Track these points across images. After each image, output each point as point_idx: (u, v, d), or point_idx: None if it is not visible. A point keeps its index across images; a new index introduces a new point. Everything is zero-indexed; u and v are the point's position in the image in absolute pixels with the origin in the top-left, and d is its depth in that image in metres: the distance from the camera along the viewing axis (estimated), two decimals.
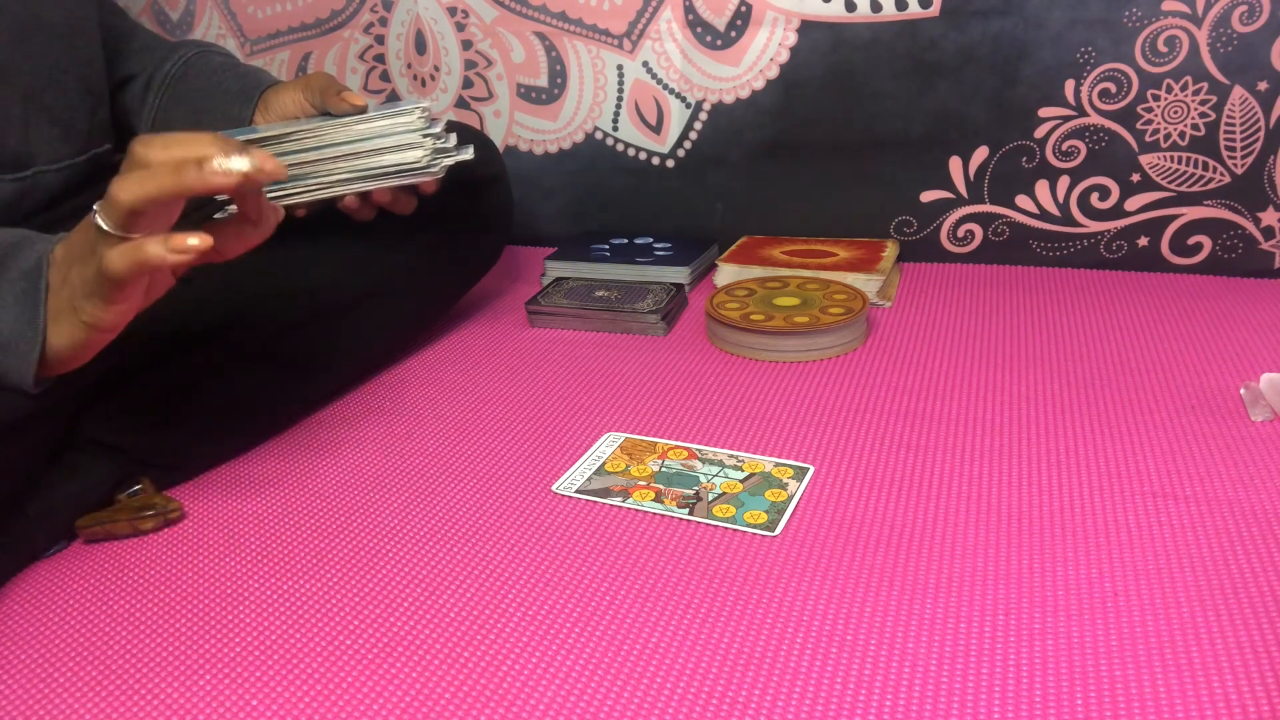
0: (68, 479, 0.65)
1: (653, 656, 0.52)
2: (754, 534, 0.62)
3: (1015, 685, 0.49)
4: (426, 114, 0.78)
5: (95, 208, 0.52)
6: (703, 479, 0.69)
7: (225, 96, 0.83)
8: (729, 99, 1.09)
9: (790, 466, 0.70)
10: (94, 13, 0.79)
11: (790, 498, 0.66)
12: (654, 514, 0.65)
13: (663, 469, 0.70)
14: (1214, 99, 0.96)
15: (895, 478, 0.68)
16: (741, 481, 0.68)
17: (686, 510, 0.65)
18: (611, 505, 0.66)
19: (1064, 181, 1.03)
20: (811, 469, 0.69)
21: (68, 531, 0.66)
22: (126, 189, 0.51)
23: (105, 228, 0.52)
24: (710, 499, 0.66)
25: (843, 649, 0.52)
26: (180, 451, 0.72)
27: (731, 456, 0.71)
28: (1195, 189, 1.00)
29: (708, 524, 0.63)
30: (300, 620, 0.57)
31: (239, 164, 0.52)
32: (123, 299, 0.53)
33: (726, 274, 1.06)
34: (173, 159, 0.51)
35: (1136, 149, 1.00)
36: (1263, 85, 0.95)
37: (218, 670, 0.53)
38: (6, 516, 0.61)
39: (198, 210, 0.61)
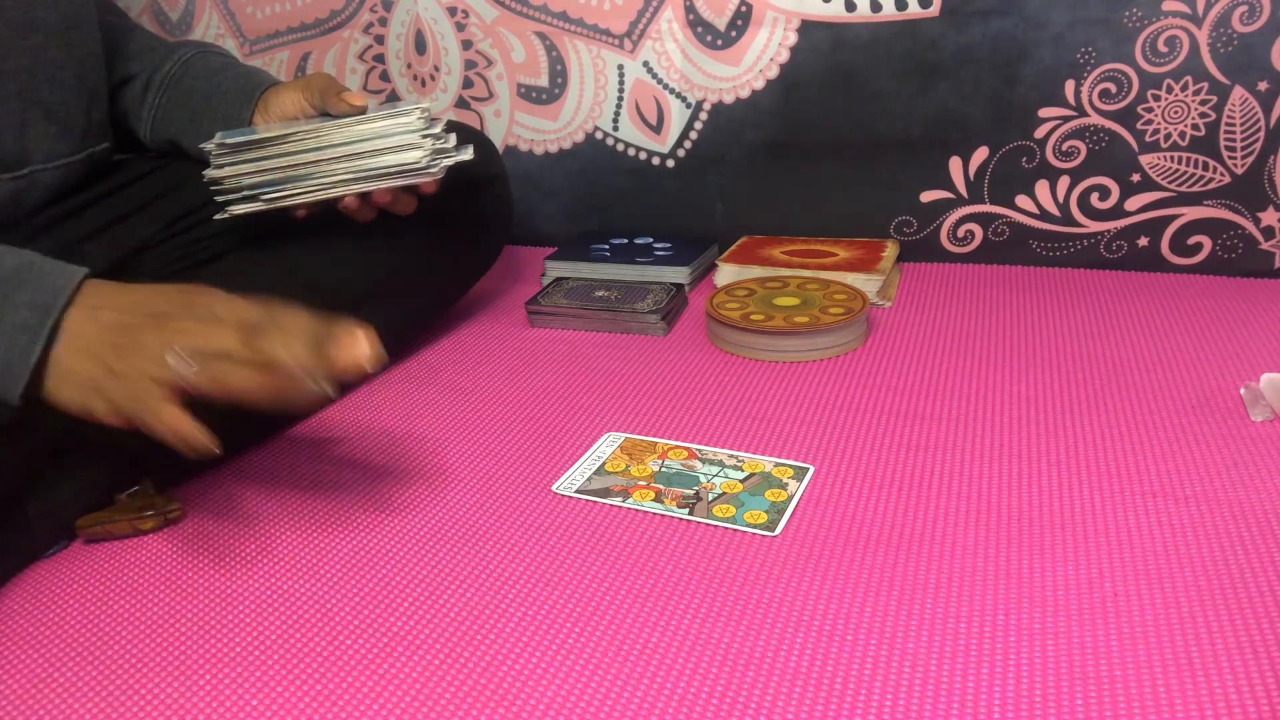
0: (68, 479, 0.65)
1: (653, 656, 0.52)
2: (754, 534, 0.62)
3: (1015, 685, 0.49)
4: (426, 114, 0.78)
5: (175, 355, 0.54)
6: (703, 479, 0.69)
7: (225, 97, 0.83)
8: (729, 99, 1.09)
9: (790, 466, 0.70)
10: (91, 10, 0.79)
11: (790, 498, 0.66)
12: (654, 514, 0.65)
13: (663, 469, 0.70)
14: (1214, 99, 0.96)
15: (895, 478, 0.68)
16: (741, 481, 0.68)
17: (686, 510, 0.65)
18: (611, 505, 0.66)
19: (1064, 181, 1.03)
20: (811, 469, 0.69)
21: (68, 531, 0.66)
22: (237, 381, 0.54)
23: (182, 371, 0.54)
24: (710, 499, 0.66)
25: (843, 649, 0.52)
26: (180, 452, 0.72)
27: (731, 456, 0.71)
28: (1195, 189, 1.00)
29: (708, 524, 0.63)
30: (300, 620, 0.57)
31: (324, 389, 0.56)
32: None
33: (726, 274, 1.06)
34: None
35: (1136, 149, 1.00)
36: (1263, 85, 0.95)
37: (217, 670, 0.53)
38: (6, 516, 0.61)
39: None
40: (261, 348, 0.55)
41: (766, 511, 0.64)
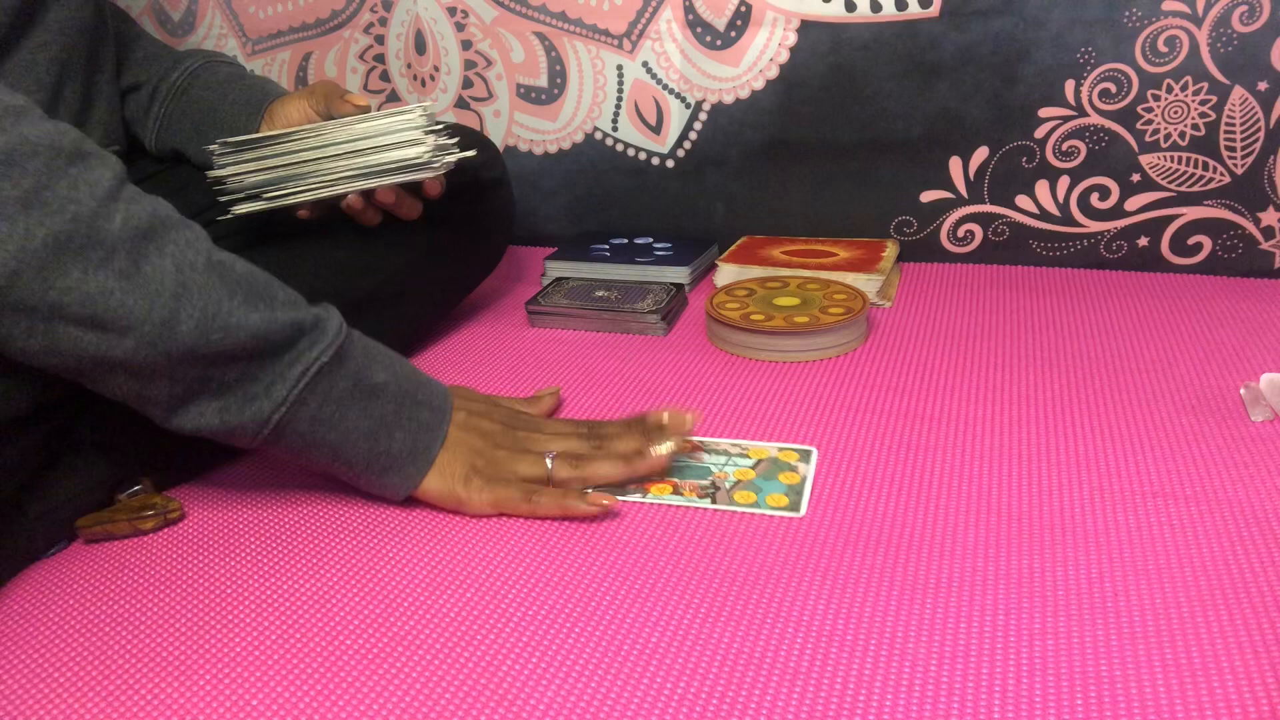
0: (68, 479, 0.65)
1: (653, 657, 0.52)
2: (781, 517, 0.63)
3: (1015, 685, 0.49)
4: (428, 113, 0.78)
5: (554, 455, 0.66)
6: (714, 469, 0.69)
7: (231, 109, 0.84)
8: (729, 99, 1.09)
9: (795, 450, 0.70)
10: (108, 17, 0.81)
11: (804, 479, 0.67)
12: (678, 506, 0.65)
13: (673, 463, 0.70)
14: (1214, 99, 0.96)
15: (895, 478, 0.68)
16: (752, 468, 0.69)
17: (708, 500, 0.65)
18: (632, 501, 0.66)
19: (1064, 181, 1.04)
20: (815, 450, 0.70)
21: (68, 531, 0.66)
22: (602, 472, 0.66)
23: (561, 474, 0.65)
24: (728, 487, 0.66)
25: (843, 649, 0.52)
26: (180, 452, 0.72)
27: (735, 445, 0.72)
28: (1195, 189, 1.00)
29: (732, 511, 0.64)
30: (300, 620, 0.57)
31: (665, 449, 0.67)
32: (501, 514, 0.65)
33: (726, 274, 1.06)
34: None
35: (1136, 149, 1.00)
36: (1263, 85, 0.95)
37: (218, 670, 0.53)
38: (6, 516, 0.61)
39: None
40: (605, 444, 0.67)
41: (785, 494, 0.65)
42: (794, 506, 0.64)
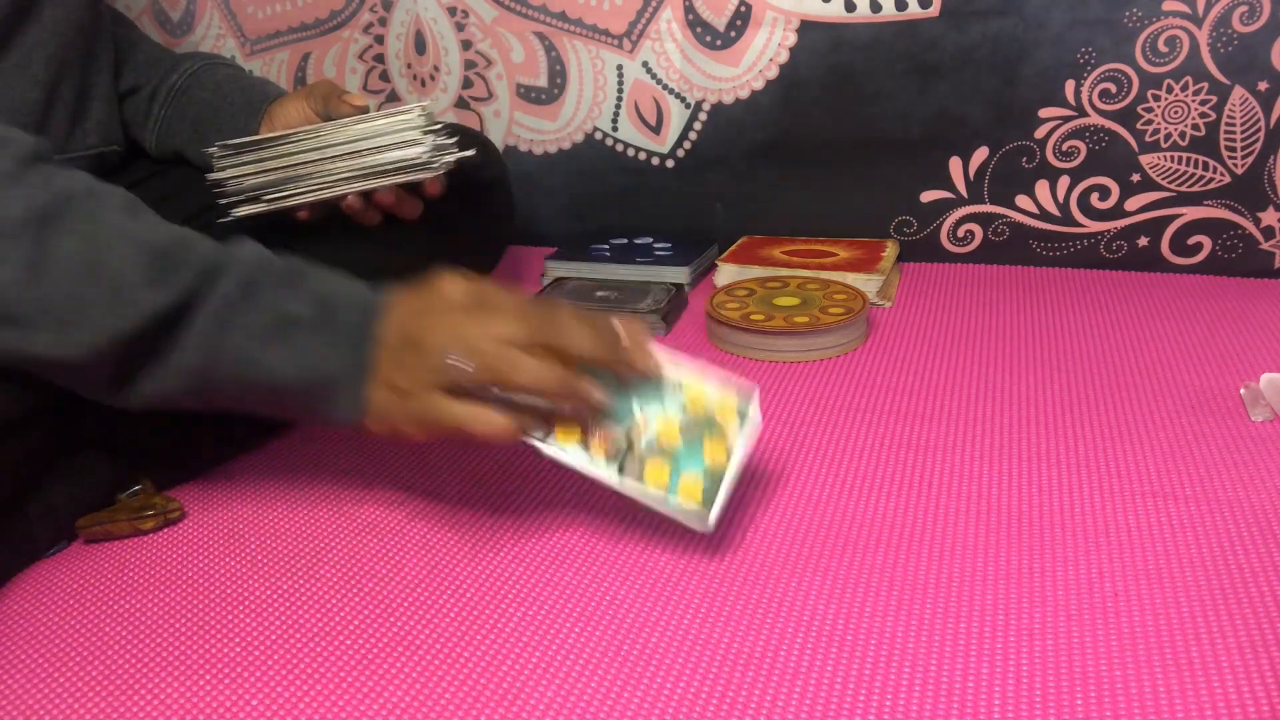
0: (68, 479, 0.65)
1: (653, 657, 0.52)
2: (686, 521, 0.57)
3: (1015, 685, 0.49)
4: (426, 112, 0.78)
5: (452, 357, 0.53)
6: (636, 411, 0.58)
7: (230, 110, 0.84)
8: (728, 99, 1.09)
9: (736, 400, 0.60)
10: (107, 18, 0.82)
11: (729, 453, 0.58)
12: (580, 472, 0.57)
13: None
14: (1214, 99, 0.96)
15: (895, 478, 0.68)
16: (679, 423, 0.58)
17: (616, 468, 0.56)
18: (532, 444, 0.57)
19: (1064, 181, 1.04)
20: (757, 396, 0.61)
21: (68, 531, 0.66)
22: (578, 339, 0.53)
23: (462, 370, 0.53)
24: (642, 449, 0.57)
25: (842, 649, 0.52)
26: (181, 451, 0.72)
27: (674, 368, 0.60)
28: (1195, 189, 1.00)
29: (635, 495, 0.57)
30: (300, 620, 0.57)
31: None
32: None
33: (726, 274, 1.06)
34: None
35: (1136, 149, 1.00)
36: (1263, 85, 0.95)
37: (218, 670, 0.53)
38: (7, 516, 0.61)
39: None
40: (549, 339, 0.53)
41: (702, 479, 0.56)
42: (707, 503, 0.56)
